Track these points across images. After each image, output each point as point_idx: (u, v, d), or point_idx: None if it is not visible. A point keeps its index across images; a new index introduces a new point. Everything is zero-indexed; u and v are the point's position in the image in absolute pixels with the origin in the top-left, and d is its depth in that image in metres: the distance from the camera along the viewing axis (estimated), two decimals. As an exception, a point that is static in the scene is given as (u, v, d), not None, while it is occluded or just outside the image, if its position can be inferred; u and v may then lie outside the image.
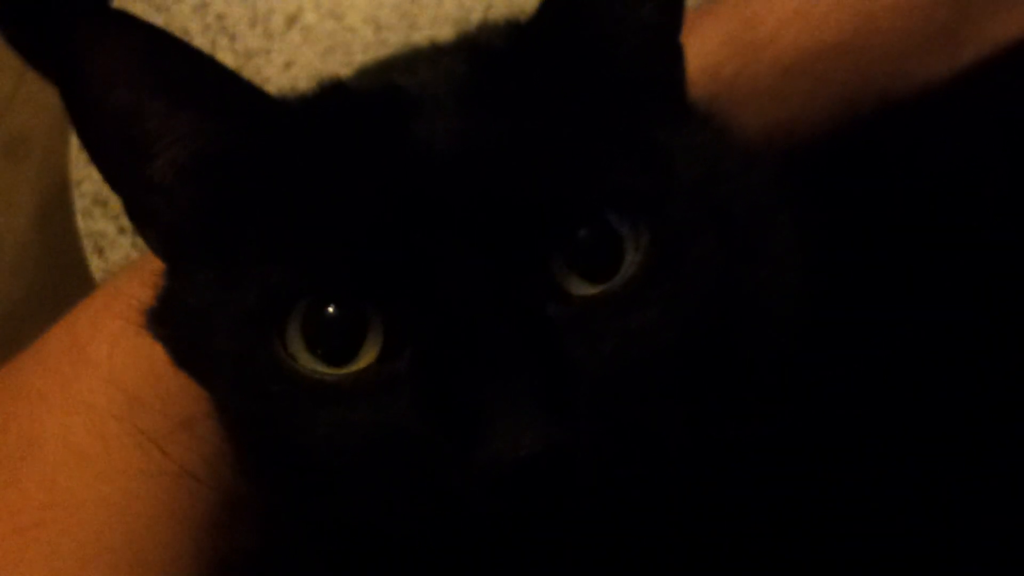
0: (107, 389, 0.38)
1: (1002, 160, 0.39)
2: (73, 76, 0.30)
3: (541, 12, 0.34)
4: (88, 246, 0.66)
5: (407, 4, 0.72)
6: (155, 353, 0.36)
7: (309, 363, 0.31)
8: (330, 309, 0.31)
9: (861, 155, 0.41)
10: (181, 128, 0.32)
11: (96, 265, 0.65)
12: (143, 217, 0.35)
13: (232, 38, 0.72)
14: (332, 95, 0.35)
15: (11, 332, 1.64)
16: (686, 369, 0.32)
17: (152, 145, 0.32)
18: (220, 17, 0.73)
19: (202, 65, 0.32)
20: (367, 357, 0.31)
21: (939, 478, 0.33)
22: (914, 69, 0.43)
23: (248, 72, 0.71)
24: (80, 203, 0.67)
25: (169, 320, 0.36)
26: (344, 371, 0.31)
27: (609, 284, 0.31)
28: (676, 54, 0.37)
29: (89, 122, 0.32)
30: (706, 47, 0.45)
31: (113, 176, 0.34)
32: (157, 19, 0.73)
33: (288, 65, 0.71)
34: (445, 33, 0.70)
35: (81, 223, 0.67)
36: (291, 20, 0.73)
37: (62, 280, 1.56)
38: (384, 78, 0.37)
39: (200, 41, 0.72)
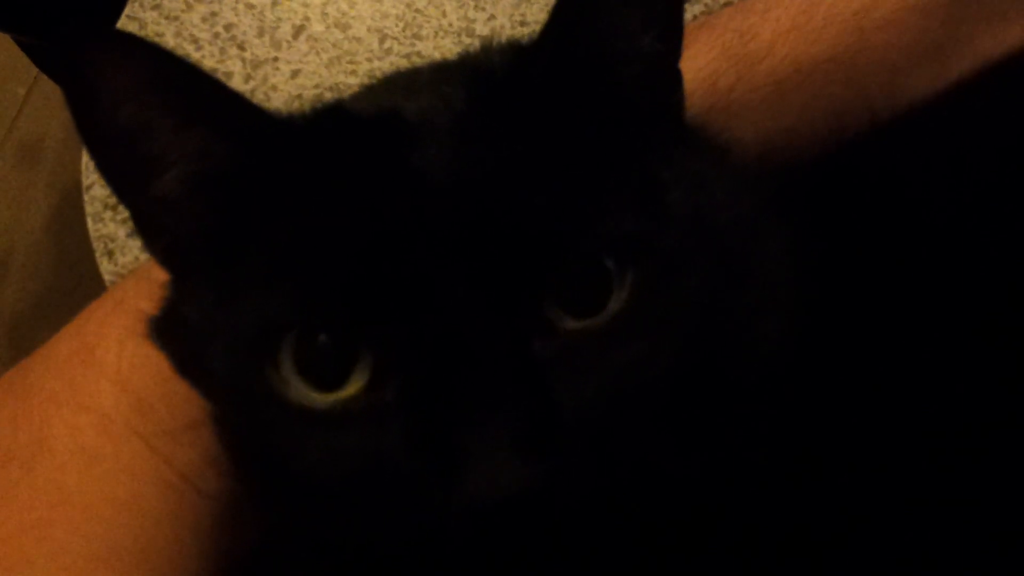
0: (115, 391, 0.39)
1: (994, 173, 0.39)
2: (80, 94, 0.31)
3: (542, 39, 0.34)
4: (98, 249, 0.66)
5: (411, 15, 0.73)
6: (162, 356, 0.37)
7: (300, 388, 0.31)
8: (321, 337, 0.31)
9: (854, 176, 0.41)
10: (186, 146, 0.32)
11: (106, 268, 0.66)
12: (149, 230, 0.35)
13: (241, 47, 0.73)
14: (332, 119, 0.35)
15: (24, 333, 1.65)
16: (673, 400, 0.31)
17: (157, 162, 0.32)
18: (229, 27, 0.74)
19: (207, 85, 0.32)
20: (356, 385, 0.31)
21: (932, 504, 0.33)
22: (905, 83, 0.43)
23: (256, 80, 0.71)
24: (90, 207, 0.68)
25: (170, 332, 0.36)
26: (333, 397, 0.31)
27: (596, 318, 0.31)
28: (675, 80, 0.37)
29: (96, 138, 0.32)
30: (703, 59, 0.45)
31: (120, 189, 0.34)
32: (168, 28, 0.74)
33: (295, 74, 0.72)
34: (448, 44, 0.71)
35: (91, 227, 0.67)
36: (298, 30, 0.73)
37: (75, 281, 1.57)
38: (384, 101, 0.37)
39: (209, 50, 0.73)
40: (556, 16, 0.33)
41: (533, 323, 0.30)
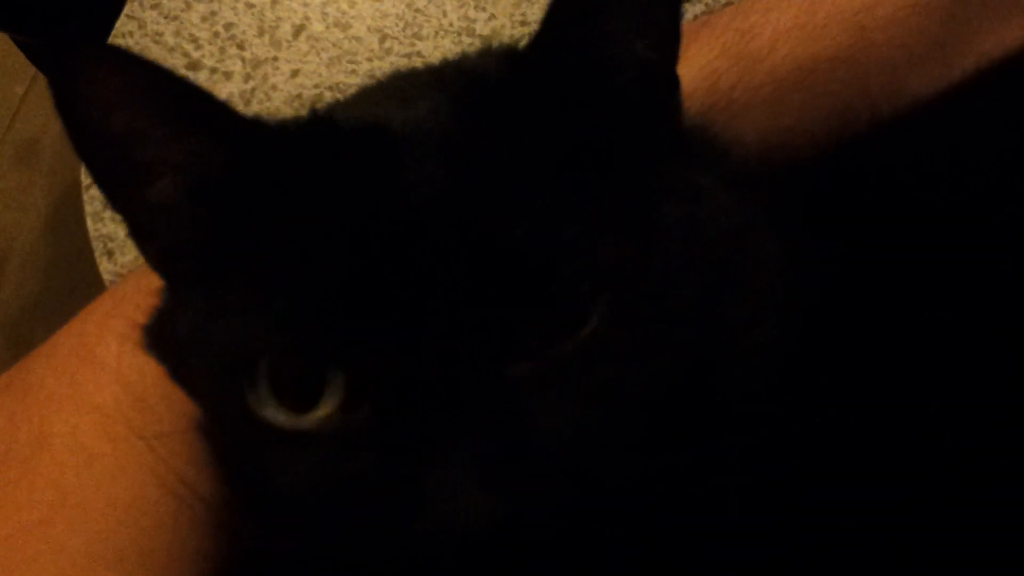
0: (114, 390, 0.39)
1: (995, 174, 0.39)
2: (70, 105, 0.31)
3: (532, 49, 0.33)
4: (98, 249, 0.67)
5: (411, 15, 0.73)
6: (162, 356, 0.37)
7: (274, 409, 0.32)
8: (294, 359, 0.31)
9: (854, 175, 0.41)
10: (174, 157, 0.32)
11: (106, 267, 0.66)
12: (142, 235, 0.35)
13: (240, 46, 0.73)
14: (319, 131, 0.35)
15: (22, 333, 1.65)
16: (659, 418, 0.31)
17: (143, 172, 0.33)
18: (228, 26, 0.74)
19: (192, 94, 0.32)
20: (328, 406, 0.31)
21: (932, 515, 0.33)
22: (906, 82, 0.43)
23: (256, 80, 0.71)
24: (90, 206, 0.68)
25: (160, 341, 0.37)
26: (308, 418, 0.31)
27: (570, 340, 0.30)
28: (672, 86, 0.36)
29: (86, 147, 0.32)
30: (704, 59, 0.45)
31: (111, 196, 0.34)
32: (167, 27, 0.74)
33: (295, 73, 0.72)
34: (448, 44, 0.71)
35: (91, 226, 0.67)
36: (298, 29, 0.73)
37: (72, 282, 1.57)
38: (374, 110, 0.36)
39: (209, 49, 0.73)
40: (547, 24, 0.32)
41: (507, 347, 0.30)
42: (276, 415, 0.31)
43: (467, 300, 0.30)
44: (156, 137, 0.32)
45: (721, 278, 0.33)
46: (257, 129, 0.33)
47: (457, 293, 0.30)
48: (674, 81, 0.36)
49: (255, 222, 0.33)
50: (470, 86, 0.35)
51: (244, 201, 0.33)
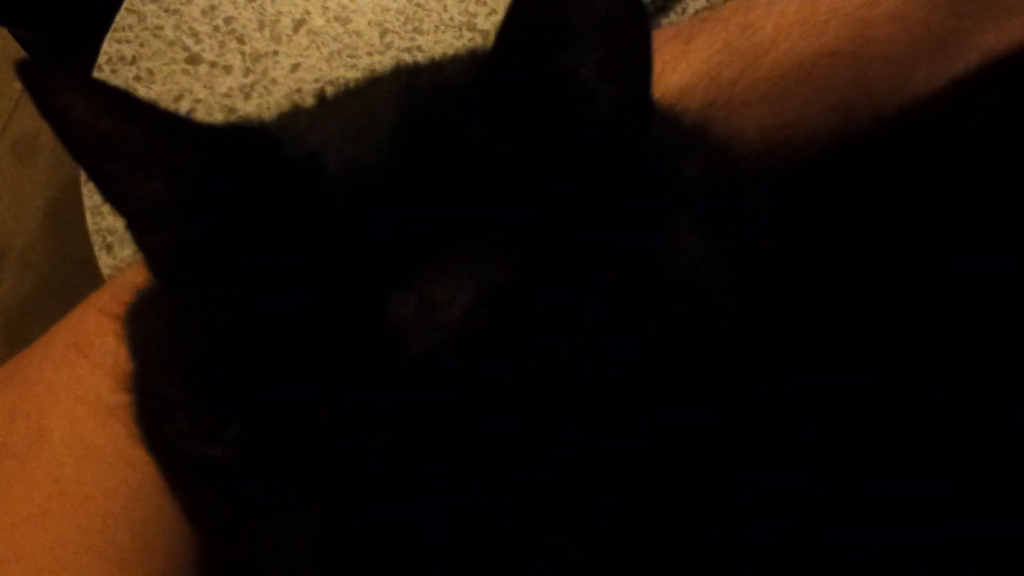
0: (113, 382, 0.39)
1: (998, 171, 0.39)
2: (53, 119, 0.32)
3: (484, 81, 0.32)
4: (97, 243, 0.67)
5: (412, 9, 0.73)
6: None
7: (182, 436, 0.32)
8: (199, 401, 0.32)
9: (856, 171, 0.41)
10: (155, 161, 0.33)
11: (105, 261, 0.66)
12: (135, 232, 0.36)
13: (240, 40, 0.73)
14: (260, 158, 0.33)
15: (21, 326, 1.65)
16: (563, 488, 0.29)
17: (132, 173, 0.33)
18: (229, 20, 0.74)
19: (151, 111, 0.32)
20: (226, 440, 0.31)
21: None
22: (908, 77, 0.43)
23: (256, 74, 0.71)
24: (89, 201, 0.68)
25: (132, 334, 0.37)
26: (213, 447, 0.32)
27: (445, 418, 0.29)
28: (640, 122, 0.33)
29: (76, 154, 0.34)
30: (705, 53, 0.45)
31: (106, 195, 0.35)
32: (167, 21, 0.73)
33: (295, 67, 0.72)
34: (449, 38, 0.71)
35: (90, 220, 0.67)
36: (298, 24, 0.73)
37: (71, 276, 1.57)
38: (318, 136, 0.35)
39: (209, 43, 0.72)
40: (498, 57, 0.31)
41: (375, 420, 0.29)
42: (182, 441, 0.32)
43: (342, 370, 0.29)
44: (137, 144, 0.33)
45: (684, 310, 0.32)
46: (210, 144, 0.33)
47: (334, 361, 0.29)
48: (645, 114, 0.33)
49: (201, 240, 0.33)
50: (419, 117, 0.33)
51: (200, 215, 0.33)
